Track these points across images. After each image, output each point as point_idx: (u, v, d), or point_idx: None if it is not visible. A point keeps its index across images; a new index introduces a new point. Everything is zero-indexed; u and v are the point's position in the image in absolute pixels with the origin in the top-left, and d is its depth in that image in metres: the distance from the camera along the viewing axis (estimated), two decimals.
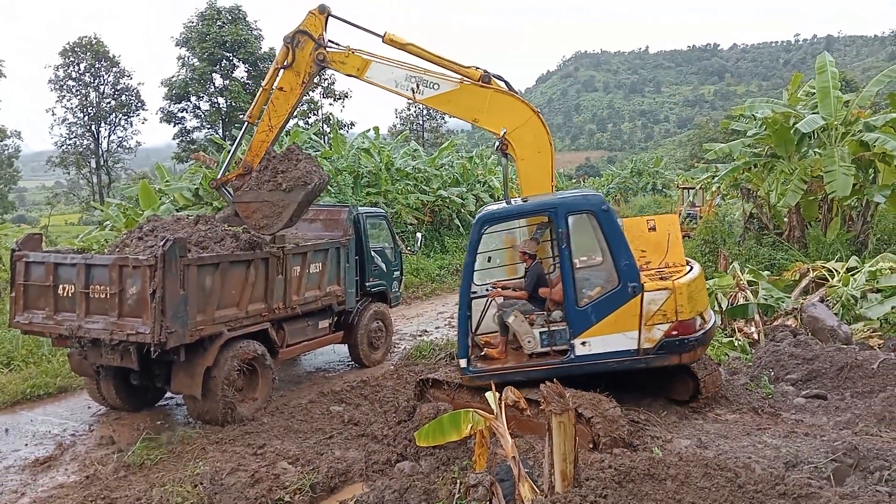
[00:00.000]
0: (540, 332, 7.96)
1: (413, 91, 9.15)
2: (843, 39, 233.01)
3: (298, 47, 9.46)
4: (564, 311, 7.77)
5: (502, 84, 9.07)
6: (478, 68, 9.11)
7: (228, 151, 10.57)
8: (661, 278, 7.64)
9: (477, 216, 8.28)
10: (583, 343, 7.58)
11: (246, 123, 10.54)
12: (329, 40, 9.52)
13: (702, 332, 7.67)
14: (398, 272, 13.67)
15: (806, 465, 6.11)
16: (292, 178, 9.44)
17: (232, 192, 10.10)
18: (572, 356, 7.63)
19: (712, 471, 5.49)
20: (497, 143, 8.89)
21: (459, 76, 9.13)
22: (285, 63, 9.54)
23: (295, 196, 9.41)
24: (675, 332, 7.43)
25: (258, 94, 10.08)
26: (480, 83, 8.98)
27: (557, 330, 7.86)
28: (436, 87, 9.10)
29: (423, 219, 25.53)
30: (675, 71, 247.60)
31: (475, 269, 9.01)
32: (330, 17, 9.55)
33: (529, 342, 7.97)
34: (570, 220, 7.72)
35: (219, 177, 10.47)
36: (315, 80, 9.74)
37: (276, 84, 9.80)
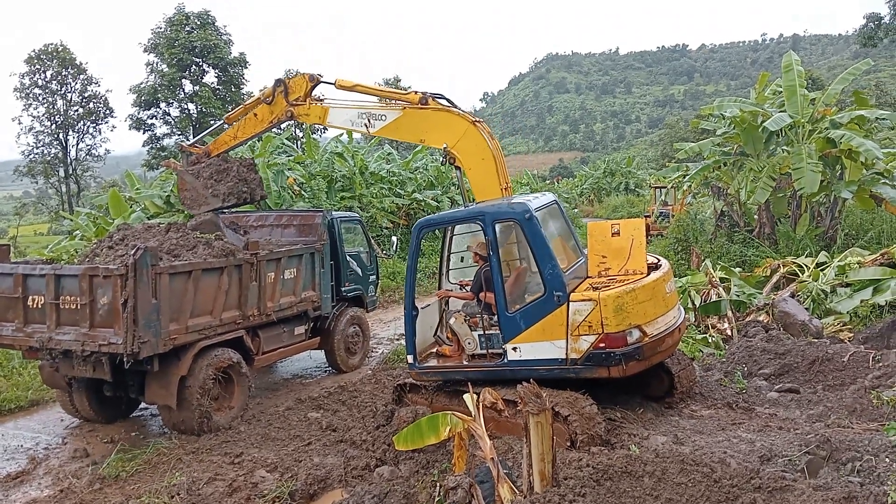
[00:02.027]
0: (479, 335, 8.08)
1: (366, 126, 9.97)
2: (809, 38, 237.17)
3: (280, 94, 10.54)
4: (497, 315, 7.82)
5: (443, 101, 9.47)
6: (416, 92, 9.66)
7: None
8: (592, 289, 7.47)
9: (416, 223, 8.57)
10: (514, 348, 7.59)
11: (223, 122, 11.93)
12: (315, 96, 10.53)
13: (636, 346, 7.26)
14: (374, 276, 13.63)
15: (780, 459, 6.20)
16: (216, 189, 11.09)
17: (187, 162, 11.65)
18: (505, 360, 7.68)
19: (688, 466, 5.55)
20: (442, 159, 9.31)
21: (402, 103, 9.70)
22: (268, 100, 10.64)
23: (213, 202, 11.10)
24: (602, 345, 7.23)
25: (241, 106, 11.55)
26: (419, 105, 9.44)
27: (495, 334, 7.93)
28: (384, 118, 9.80)
29: (398, 222, 25.48)
30: (646, 71, 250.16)
31: (450, 268, 9.21)
32: (320, 83, 10.52)
33: (469, 344, 8.14)
34: (498, 227, 7.80)
35: (190, 142, 12.17)
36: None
37: (255, 110, 11.01)
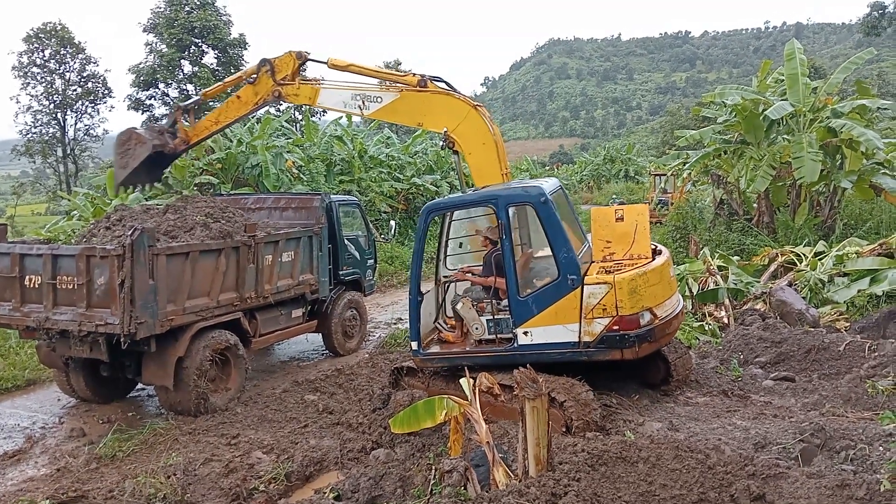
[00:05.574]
0: (487, 320, 8.04)
1: (360, 108, 9.69)
2: (812, 27, 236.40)
3: (265, 74, 10.12)
4: (508, 300, 7.80)
5: (442, 84, 9.31)
6: (414, 74, 9.48)
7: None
8: (605, 272, 7.52)
9: (424, 206, 8.49)
10: (525, 333, 7.58)
11: (199, 97, 11.62)
12: (302, 76, 10.27)
13: (648, 328, 7.38)
14: (372, 260, 13.62)
15: (774, 446, 6.22)
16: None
17: (172, 133, 10.96)
18: (515, 345, 7.67)
19: (683, 453, 5.57)
20: (441, 143, 9.18)
21: (399, 85, 9.45)
22: (251, 79, 10.21)
23: (121, 174, 10.90)
24: (615, 327, 7.29)
25: (221, 83, 11.11)
26: (418, 88, 9.24)
27: (504, 318, 7.90)
28: (379, 100, 9.54)
29: (397, 207, 25.45)
30: (648, 58, 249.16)
31: (448, 254, 9.17)
32: (308, 61, 10.22)
33: (477, 329, 8.08)
34: (511, 211, 7.78)
35: (184, 105, 11.33)
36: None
37: (237, 90, 10.54)
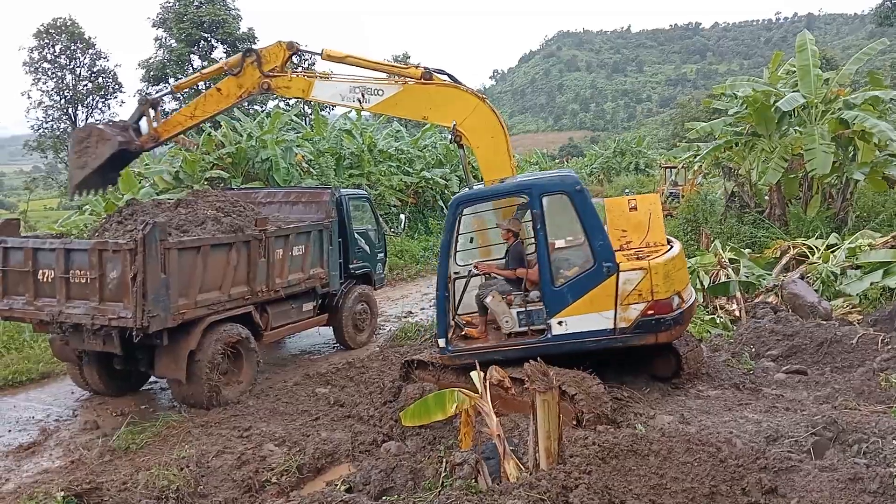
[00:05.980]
0: (517, 312, 7.98)
1: (359, 101, 9.23)
2: (824, 17, 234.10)
3: (251, 65, 9.51)
4: (540, 291, 7.77)
5: (445, 77, 9.06)
6: (418, 66, 9.19)
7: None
8: (637, 258, 7.60)
9: (453, 198, 8.36)
10: (559, 323, 7.57)
11: (170, 89, 11.07)
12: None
13: (679, 311, 7.58)
14: (382, 254, 13.65)
15: (786, 439, 6.20)
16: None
17: (136, 132, 10.20)
18: (549, 336, 7.64)
19: (694, 446, 5.56)
20: (450, 137, 8.93)
21: (402, 78, 9.15)
22: (234, 71, 9.59)
23: (77, 174, 10.06)
24: (651, 312, 7.40)
25: (197, 74, 10.39)
26: (423, 81, 8.97)
27: (535, 310, 7.87)
28: (380, 93, 9.13)
29: (406, 200, 25.45)
30: (658, 50, 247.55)
31: (458, 249, 9.08)
32: (299, 51, 9.77)
33: (507, 322, 7.99)
34: (545, 200, 7.72)
35: (153, 96, 10.69)
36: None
37: (217, 82, 9.94)
